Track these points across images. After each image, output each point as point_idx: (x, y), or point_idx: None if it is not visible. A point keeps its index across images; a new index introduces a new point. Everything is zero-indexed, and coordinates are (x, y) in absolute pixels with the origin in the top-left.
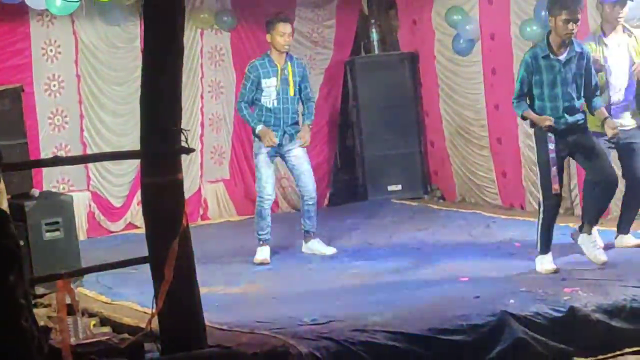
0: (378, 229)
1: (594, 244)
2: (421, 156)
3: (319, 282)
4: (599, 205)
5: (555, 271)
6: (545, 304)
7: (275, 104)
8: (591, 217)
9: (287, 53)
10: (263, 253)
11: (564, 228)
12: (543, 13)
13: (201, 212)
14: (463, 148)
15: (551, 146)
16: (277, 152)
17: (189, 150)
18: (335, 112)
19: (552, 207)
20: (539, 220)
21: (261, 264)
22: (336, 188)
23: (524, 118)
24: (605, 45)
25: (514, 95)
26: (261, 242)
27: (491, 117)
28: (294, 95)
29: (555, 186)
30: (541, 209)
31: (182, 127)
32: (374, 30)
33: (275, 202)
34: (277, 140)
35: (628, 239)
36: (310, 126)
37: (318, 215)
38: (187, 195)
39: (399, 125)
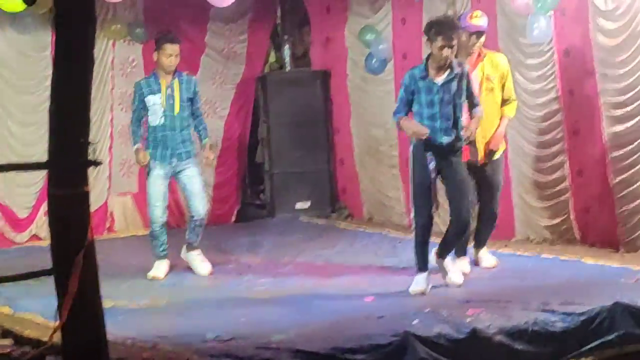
0: (285, 247)
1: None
2: (330, 174)
3: (224, 298)
4: (452, 241)
5: (423, 292)
6: (448, 325)
7: (162, 122)
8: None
9: (174, 71)
10: (157, 269)
11: (470, 249)
12: None
13: (107, 225)
14: (372, 167)
15: (432, 166)
16: (171, 172)
17: (96, 163)
18: (245, 127)
19: (426, 225)
20: (414, 240)
21: (153, 279)
22: (244, 204)
23: (397, 125)
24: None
25: (395, 112)
26: (156, 258)
27: (401, 137)
28: (180, 112)
29: (435, 203)
30: (413, 227)
31: (90, 139)
32: (286, 46)
33: (182, 216)
34: (146, 161)
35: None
36: (210, 144)
37: (226, 231)
38: (93, 208)
39: (308, 143)
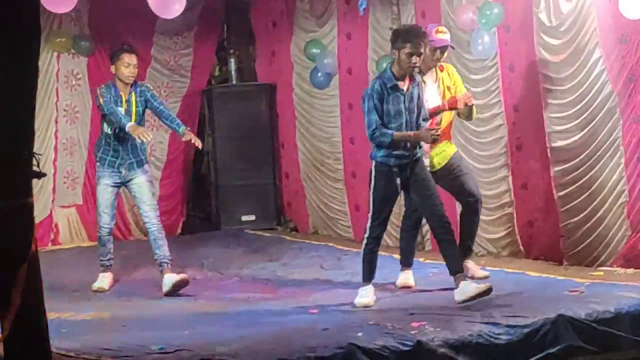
0: (230, 259)
1: (468, 285)
2: (275, 187)
3: (168, 310)
4: (452, 252)
5: (369, 305)
6: (392, 337)
7: (116, 131)
8: (455, 265)
9: (131, 83)
10: (102, 281)
11: (414, 262)
12: None
13: (52, 236)
14: (318, 180)
15: (398, 181)
16: (120, 181)
17: (40, 175)
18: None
19: (380, 238)
20: (362, 250)
21: (97, 291)
22: (189, 217)
23: (395, 142)
24: (424, 82)
25: (372, 127)
26: (102, 268)
27: (346, 151)
28: (136, 123)
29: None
30: (365, 236)
31: (34, 150)
32: (232, 60)
33: (128, 229)
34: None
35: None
36: (188, 128)
37: (171, 243)
38: (38, 220)
39: (254, 156)
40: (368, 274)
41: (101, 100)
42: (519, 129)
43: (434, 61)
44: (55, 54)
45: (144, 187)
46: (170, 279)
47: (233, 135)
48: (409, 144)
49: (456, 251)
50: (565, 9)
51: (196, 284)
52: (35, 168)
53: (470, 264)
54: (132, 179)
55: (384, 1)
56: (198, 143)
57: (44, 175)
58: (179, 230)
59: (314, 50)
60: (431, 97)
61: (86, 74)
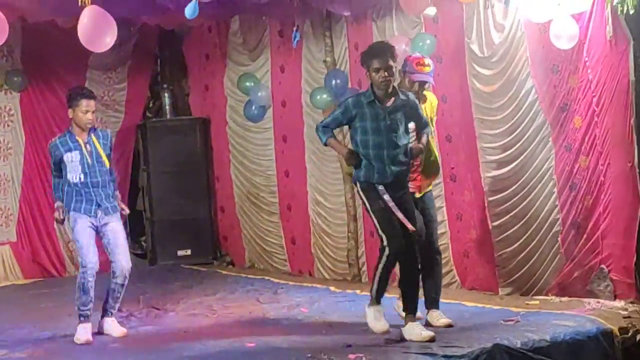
0: (166, 294)
1: (415, 328)
2: (211, 221)
3: (104, 346)
4: (410, 289)
5: (387, 331)
6: None
7: (82, 179)
8: (410, 306)
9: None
10: (86, 332)
11: (351, 294)
12: (333, 82)
13: None
14: (253, 214)
15: (386, 197)
16: (94, 226)
17: None
18: (126, 175)
19: (400, 251)
20: (379, 266)
21: (85, 343)
22: None
23: (327, 145)
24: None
25: (322, 123)
26: (82, 319)
27: (281, 184)
28: (101, 167)
29: (409, 225)
30: (385, 254)
31: None
32: (166, 94)
33: (63, 266)
34: (61, 217)
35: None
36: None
37: (107, 279)
38: None
39: (189, 190)
40: (381, 294)
41: (50, 160)
42: (453, 159)
43: (413, 93)
44: None
45: (119, 234)
46: (108, 325)
47: (168, 169)
48: (385, 158)
49: (417, 290)
50: (497, 40)
51: (133, 320)
52: None
53: (436, 313)
54: (106, 224)
55: (317, 33)
56: (125, 211)
57: None
58: None
59: (248, 84)
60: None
61: (19, 109)
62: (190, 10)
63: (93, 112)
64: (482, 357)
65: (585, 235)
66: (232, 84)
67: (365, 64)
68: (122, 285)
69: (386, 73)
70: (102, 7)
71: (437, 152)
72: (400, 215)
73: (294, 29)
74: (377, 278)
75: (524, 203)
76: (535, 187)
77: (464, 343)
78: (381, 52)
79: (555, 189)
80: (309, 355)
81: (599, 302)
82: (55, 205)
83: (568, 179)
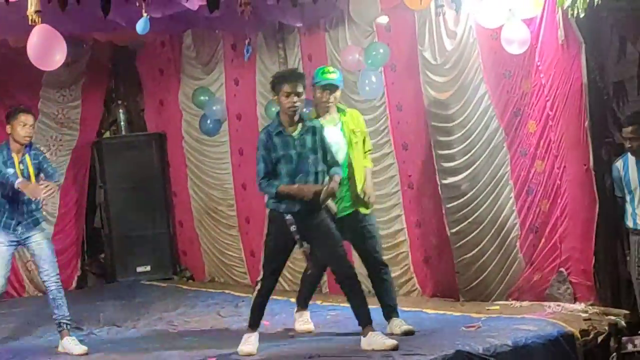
0: (126, 311)
1: (377, 337)
2: (170, 236)
3: None
4: (358, 302)
5: (252, 354)
6: None
7: (10, 195)
8: (363, 318)
9: (26, 145)
10: None
11: (312, 305)
12: None
13: None
14: (212, 228)
15: (293, 228)
16: (17, 242)
17: None
18: (82, 193)
19: (272, 288)
20: (252, 299)
21: None
22: (84, 270)
23: (279, 195)
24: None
25: (260, 176)
26: None
27: (239, 197)
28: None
29: (309, 263)
30: (257, 288)
31: None
32: (120, 110)
33: (22, 286)
34: None
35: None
36: (59, 185)
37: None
38: None
39: (147, 206)
40: (254, 321)
41: None
42: (410, 167)
43: (325, 102)
44: None
45: (43, 245)
46: (68, 345)
47: (125, 186)
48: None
49: (364, 301)
50: (449, 47)
51: (93, 338)
52: None
53: (397, 321)
54: (29, 237)
55: (270, 45)
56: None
57: None
58: (74, 285)
59: (202, 98)
60: (335, 141)
61: None
62: (141, 26)
63: (31, 126)
64: None
65: (543, 239)
66: (187, 98)
67: (275, 88)
68: (58, 290)
69: (296, 98)
70: (53, 25)
71: (361, 182)
72: (306, 245)
73: (246, 42)
74: (251, 308)
75: (482, 209)
76: (492, 193)
77: (426, 350)
78: (293, 77)
79: (512, 194)
80: None
81: (559, 306)
82: (18, 182)
83: (524, 184)
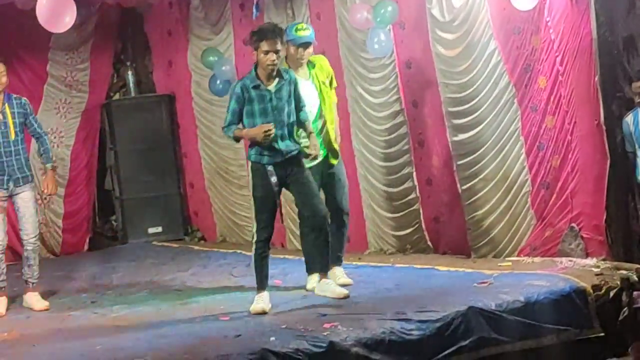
0: (139, 272)
1: (330, 285)
2: (181, 198)
3: (79, 327)
4: (321, 250)
5: (265, 312)
6: (305, 340)
7: (2, 150)
8: (321, 265)
9: (5, 94)
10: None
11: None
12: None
13: None
14: (223, 188)
15: (274, 179)
16: (7, 195)
17: None
18: (92, 155)
19: (268, 239)
20: (252, 256)
21: None
22: (96, 232)
23: (237, 139)
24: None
25: (224, 125)
26: None
27: None
28: (16, 137)
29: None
30: (254, 241)
31: None
32: (129, 72)
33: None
34: None
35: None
36: (52, 169)
37: (78, 260)
38: None
39: (157, 167)
40: (261, 281)
41: None
42: (420, 125)
43: (299, 59)
44: None
45: (30, 204)
46: (30, 300)
47: (135, 147)
48: (278, 142)
49: (327, 251)
50: (458, 4)
51: (106, 299)
52: None
53: (339, 271)
54: (18, 194)
55: (279, 4)
56: (49, 190)
57: None
58: (86, 247)
59: (211, 58)
60: (307, 95)
61: None
62: None
63: (4, 75)
64: (456, 321)
65: (554, 195)
66: (196, 59)
67: (254, 45)
68: (33, 251)
69: (275, 56)
70: None
71: (334, 134)
72: (279, 204)
73: (254, 1)
74: (254, 268)
75: (492, 165)
76: (503, 149)
77: (439, 307)
78: (271, 34)
79: (523, 150)
80: (284, 326)
81: (571, 261)
82: None
83: (535, 140)
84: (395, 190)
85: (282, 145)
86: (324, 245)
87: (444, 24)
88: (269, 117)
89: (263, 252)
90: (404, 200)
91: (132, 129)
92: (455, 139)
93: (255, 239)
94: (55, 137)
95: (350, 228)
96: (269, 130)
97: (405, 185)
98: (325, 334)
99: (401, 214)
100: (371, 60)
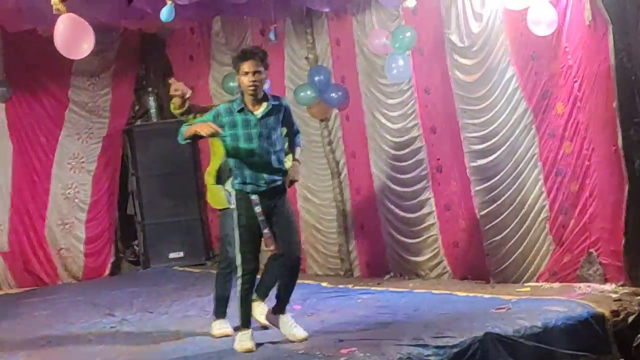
0: (159, 297)
1: (291, 323)
2: (202, 223)
3: (98, 351)
4: (289, 285)
5: (251, 350)
6: None
7: None
8: (284, 297)
9: None
10: None
11: (343, 290)
12: (316, 78)
13: None
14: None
15: (257, 209)
16: None
17: None
18: (114, 180)
19: (255, 271)
20: (238, 290)
21: None
22: (117, 257)
23: (187, 139)
24: None
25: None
26: None
27: None
28: None
29: (272, 247)
30: (239, 274)
31: None
32: (151, 98)
33: (55, 273)
34: None
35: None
36: None
37: (99, 285)
38: None
39: (179, 192)
40: (247, 318)
41: None
42: (438, 150)
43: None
44: None
45: None
46: None
47: (156, 173)
48: (257, 165)
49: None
50: (476, 29)
51: (127, 324)
52: None
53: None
54: None
55: (298, 30)
56: None
57: None
58: (107, 272)
59: (232, 84)
60: None
61: (5, 119)
62: (165, 13)
63: None
64: (474, 346)
65: (573, 220)
66: (217, 84)
67: (235, 68)
68: None
69: (254, 77)
70: (80, 13)
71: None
72: (266, 231)
73: (272, 27)
74: (239, 302)
75: (511, 191)
76: (521, 175)
77: (456, 333)
78: (250, 55)
79: (541, 176)
80: (302, 351)
81: (589, 287)
82: None
83: (553, 165)
84: (413, 215)
85: (266, 175)
86: (294, 284)
87: (463, 49)
88: (253, 144)
89: (251, 286)
90: (422, 226)
91: (153, 154)
92: (474, 164)
93: (241, 272)
94: (76, 163)
95: (369, 253)
96: (211, 128)
97: (424, 211)
98: (342, 359)
99: (420, 239)
100: (390, 86)
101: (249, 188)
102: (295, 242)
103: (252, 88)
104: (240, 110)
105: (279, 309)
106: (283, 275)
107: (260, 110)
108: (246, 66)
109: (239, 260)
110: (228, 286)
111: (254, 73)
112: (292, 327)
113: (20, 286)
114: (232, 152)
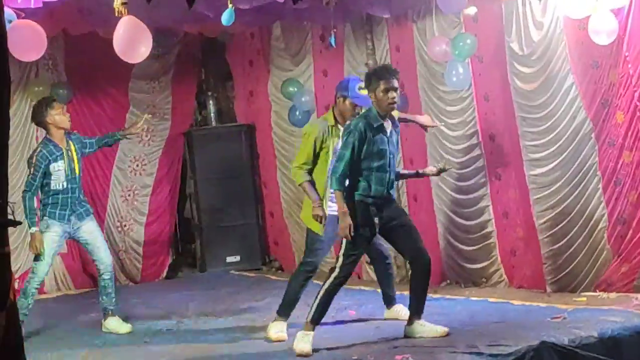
0: (215, 300)
1: (426, 326)
2: (259, 227)
3: (156, 354)
4: (426, 288)
5: (309, 355)
6: None
7: (65, 185)
8: (417, 305)
9: (65, 132)
10: None
11: (398, 296)
12: None
13: None
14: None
15: (376, 219)
16: (67, 233)
17: (15, 223)
18: (175, 183)
19: (346, 277)
20: (325, 287)
21: None
22: (175, 260)
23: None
24: (339, 136)
25: (337, 172)
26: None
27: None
28: (79, 173)
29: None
30: (334, 275)
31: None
32: (210, 101)
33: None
34: (39, 249)
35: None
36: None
37: (156, 287)
38: (23, 269)
39: (237, 196)
40: (320, 317)
41: (32, 180)
42: (497, 158)
43: (353, 116)
44: (34, 102)
45: (96, 233)
46: (111, 324)
47: (215, 176)
48: (386, 182)
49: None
50: (536, 38)
51: (183, 326)
52: (10, 217)
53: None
54: (79, 228)
55: (358, 36)
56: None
57: (19, 223)
58: (164, 274)
59: (291, 89)
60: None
61: None
62: (226, 17)
63: (66, 111)
64: (528, 355)
65: (631, 231)
66: (276, 89)
67: (371, 87)
68: (110, 279)
69: (394, 94)
70: (141, 17)
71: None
72: (380, 241)
73: (332, 33)
74: (321, 297)
75: (569, 200)
76: (580, 184)
77: (511, 341)
78: (387, 73)
79: (600, 185)
80: (356, 357)
81: None
82: (33, 231)
83: (612, 175)
84: (471, 223)
85: (389, 190)
86: (427, 287)
87: (523, 57)
88: (386, 159)
89: (339, 287)
90: (480, 233)
91: (212, 157)
92: (532, 172)
93: (336, 273)
94: (137, 165)
95: None
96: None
97: (482, 218)
98: None
99: (477, 246)
100: (449, 93)
101: (370, 201)
102: (422, 247)
103: (392, 105)
104: (378, 127)
105: (417, 313)
106: (419, 280)
107: (389, 127)
108: (384, 84)
109: (339, 262)
110: (303, 289)
111: (394, 89)
112: (432, 326)
113: (79, 287)
114: (364, 168)
